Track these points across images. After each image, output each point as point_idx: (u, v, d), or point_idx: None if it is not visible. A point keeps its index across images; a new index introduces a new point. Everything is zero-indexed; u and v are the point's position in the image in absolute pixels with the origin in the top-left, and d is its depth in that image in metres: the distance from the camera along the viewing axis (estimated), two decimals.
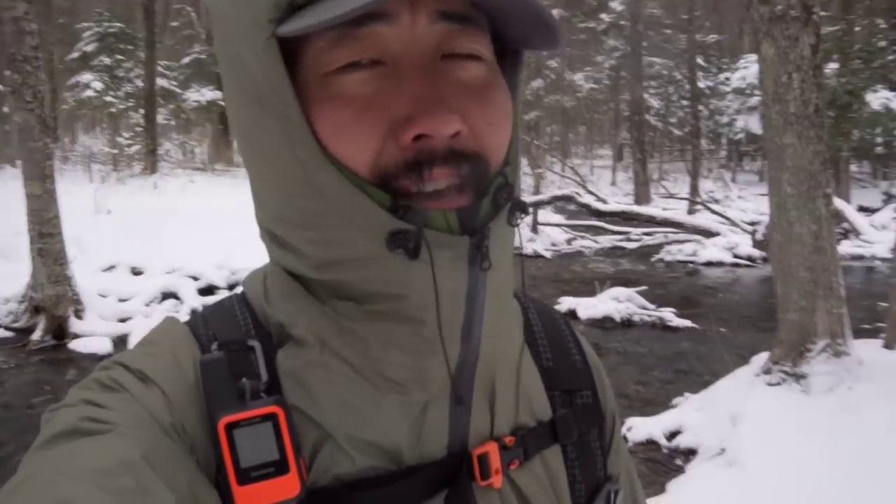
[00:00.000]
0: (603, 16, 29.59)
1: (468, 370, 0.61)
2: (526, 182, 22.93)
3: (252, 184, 0.61)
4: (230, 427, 0.53)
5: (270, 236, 0.61)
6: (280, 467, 0.53)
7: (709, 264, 12.45)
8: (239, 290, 0.70)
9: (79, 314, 7.87)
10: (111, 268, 9.86)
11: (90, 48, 24.69)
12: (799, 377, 4.59)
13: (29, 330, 7.68)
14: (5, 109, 19.09)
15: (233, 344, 0.60)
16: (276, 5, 0.51)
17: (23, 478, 0.48)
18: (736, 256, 12.54)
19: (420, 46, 0.54)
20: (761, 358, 5.01)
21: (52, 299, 7.69)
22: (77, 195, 12.20)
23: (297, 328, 0.60)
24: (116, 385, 0.56)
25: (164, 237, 10.73)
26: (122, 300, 8.70)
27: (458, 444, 0.62)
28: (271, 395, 0.56)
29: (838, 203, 10.23)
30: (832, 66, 18.51)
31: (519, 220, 0.61)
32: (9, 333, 7.76)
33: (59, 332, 7.59)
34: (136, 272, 9.80)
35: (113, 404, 0.54)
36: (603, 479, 0.73)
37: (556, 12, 29.91)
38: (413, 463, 0.59)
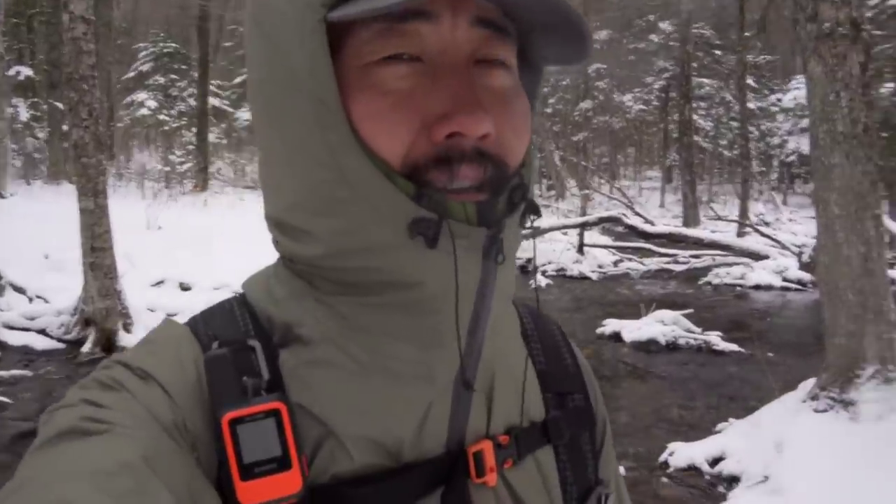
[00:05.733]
0: (652, 37, 29.45)
1: (471, 365, 0.62)
2: (573, 203, 22.81)
3: (267, 175, 0.62)
4: (234, 423, 0.54)
5: (281, 227, 0.62)
6: (282, 463, 0.53)
7: (757, 288, 12.20)
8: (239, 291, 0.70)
9: (127, 328, 8.02)
10: (160, 283, 10.02)
11: (146, 68, 25.40)
12: (847, 404, 4.46)
13: (79, 342, 7.84)
14: (64, 127, 19.71)
15: (233, 343, 0.60)
16: None
17: (21, 479, 0.49)
18: (785, 280, 12.27)
19: (457, 48, 0.56)
20: (808, 384, 4.88)
21: (102, 312, 7.85)
22: (130, 211, 12.45)
23: (304, 327, 0.60)
24: (116, 384, 0.56)
25: (213, 254, 10.87)
26: (170, 315, 8.77)
27: (456, 442, 0.63)
28: (273, 393, 0.56)
29: (891, 226, 9.96)
30: (888, 86, 18.10)
31: (531, 221, 0.63)
32: (60, 345, 7.94)
33: (108, 345, 7.72)
34: (185, 288, 9.95)
35: (113, 404, 0.54)
36: (594, 482, 0.74)
37: (605, 33, 29.97)
38: (412, 460, 0.60)
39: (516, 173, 0.60)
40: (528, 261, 9.12)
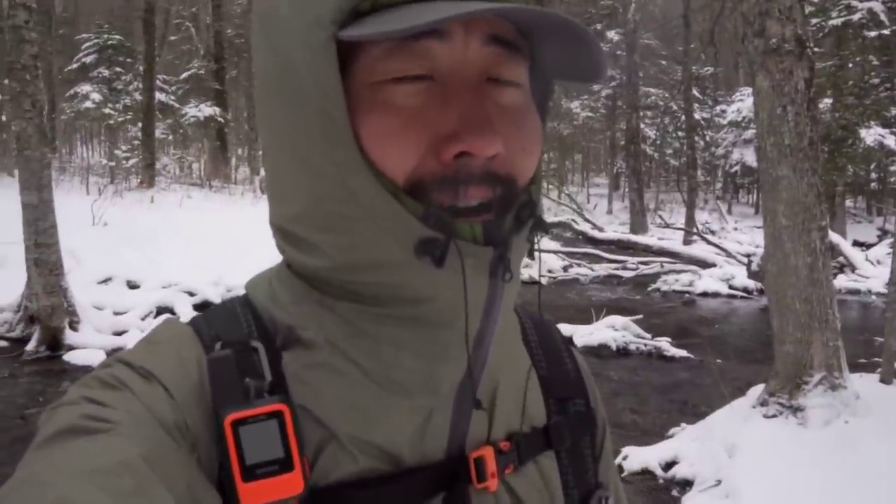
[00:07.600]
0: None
1: (475, 377, 0.62)
2: None
3: (273, 183, 0.61)
4: (236, 424, 0.54)
5: (285, 236, 0.61)
6: (284, 465, 0.54)
7: (705, 295, 12.44)
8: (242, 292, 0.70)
9: (74, 326, 7.83)
10: (107, 280, 9.81)
11: (89, 59, 24.73)
12: (795, 410, 4.59)
13: (24, 340, 7.65)
14: (3, 118, 18.95)
15: (236, 344, 0.60)
16: (341, 9, 0.52)
17: (22, 477, 0.48)
18: (732, 288, 12.54)
19: (469, 66, 0.55)
20: (758, 390, 5.00)
21: (48, 310, 7.65)
22: (74, 206, 12.13)
23: (307, 331, 0.60)
24: (118, 383, 0.55)
25: (161, 251, 10.68)
26: (117, 313, 8.66)
27: (457, 448, 0.63)
28: (275, 395, 0.56)
29: (834, 237, 10.27)
30: (826, 102, 18.66)
31: (539, 238, 0.62)
32: (3, 343, 7.74)
33: (54, 344, 7.54)
34: (132, 286, 9.77)
35: (114, 402, 0.54)
36: (594, 485, 0.75)
37: None
38: (413, 465, 0.60)
39: (525, 190, 0.60)
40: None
